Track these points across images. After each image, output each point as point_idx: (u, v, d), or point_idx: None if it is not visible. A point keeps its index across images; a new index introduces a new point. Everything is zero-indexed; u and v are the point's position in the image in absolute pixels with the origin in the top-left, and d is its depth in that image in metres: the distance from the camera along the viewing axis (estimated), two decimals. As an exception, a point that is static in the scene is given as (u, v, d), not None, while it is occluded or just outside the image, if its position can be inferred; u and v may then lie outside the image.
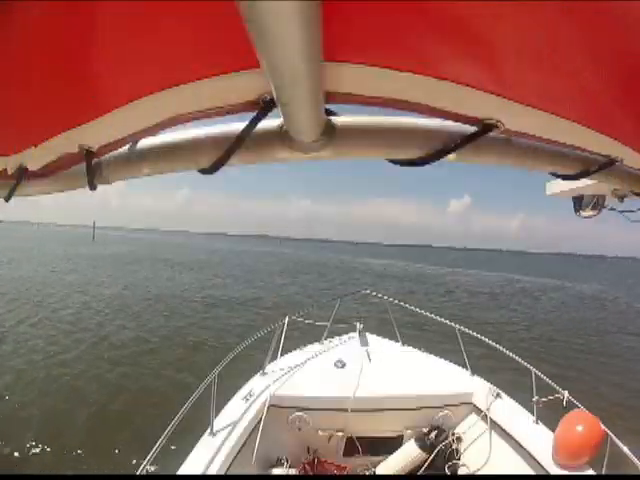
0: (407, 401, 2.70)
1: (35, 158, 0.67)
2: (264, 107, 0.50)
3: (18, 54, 0.43)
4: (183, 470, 1.89)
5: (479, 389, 2.81)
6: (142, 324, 9.10)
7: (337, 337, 3.61)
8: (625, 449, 1.90)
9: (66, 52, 0.43)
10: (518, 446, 2.38)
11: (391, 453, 2.66)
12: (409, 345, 3.62)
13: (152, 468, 1.61)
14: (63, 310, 10.08)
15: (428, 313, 3.65)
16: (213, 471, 1.89)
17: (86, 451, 3.92)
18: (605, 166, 0.68)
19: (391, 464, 2.60)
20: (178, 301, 12.20)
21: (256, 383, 2.71)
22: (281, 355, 3.14)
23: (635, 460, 1.82)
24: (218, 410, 2.34)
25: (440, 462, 2.58)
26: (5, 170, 0.70)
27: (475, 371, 3.05)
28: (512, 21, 0.35)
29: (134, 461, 3.63)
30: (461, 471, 2.58)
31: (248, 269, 25.98)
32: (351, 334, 3.62)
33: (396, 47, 0.41)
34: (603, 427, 2.04)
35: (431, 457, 2.55)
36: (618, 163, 0.69)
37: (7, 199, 0.77)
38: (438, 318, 3.49)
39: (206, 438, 2.14)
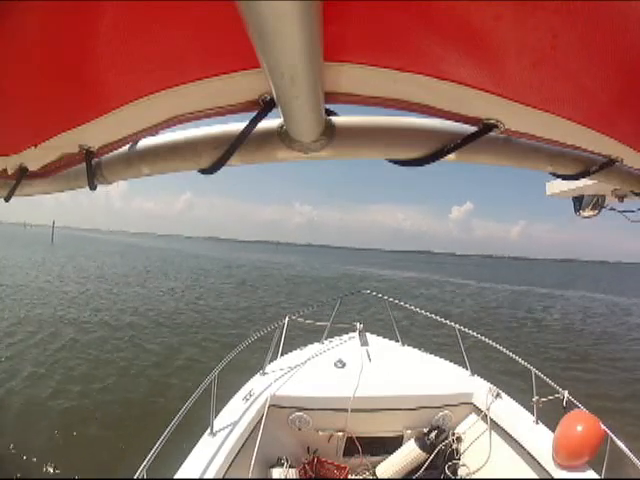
0: (407, 401, 2.70)
1: (35, 158, 0.67)
2: (264, 107, 0.50)
3: (18, 54, 0.43)
4: (183, 470, 1.89)
5: (479, 389, 2.81)
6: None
7: (337, 337, 3.61)
8: (625, 449, 1.90)
9: (66, 52, 0.43)
10: (518, 446, 2.38)
11: (391, 453, 2.66)
12: (409, 345, 3.62)
13: (150, 470, 1.60)
14: None
15: (427, 313, 3.66)
16: (213, 471, 1.89)
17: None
18: (605, 166, 0.68)
19: (391, 464, 2.60)
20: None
21: (256, 383, 2.71)
22: (281, 355, 3.15)
23: (635, 460, 1.82)
24: (218, 410, 2.34)
25: (440, 462, 2.58)
26: (5, 170, 0.70)
27: (476, 371, 3.06)
28: (512, 21, 0.35)
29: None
30: (461, 471, 2.58)
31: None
32: (351, 334, 3.62)
33: (396, 47, 0.41)
34: (603, 427, 2.03)
35: (431, 457, 2.55)
36: (618, 163, 0.69)
37: (7, 199, 0.77)
38: (438, 318, 3.50)
39: (206, 438, 2.14)
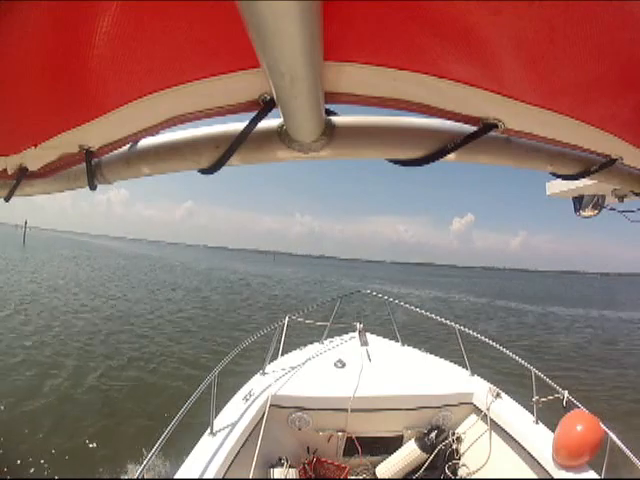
0: (407, 401, 2.70)
1: (35, 158, 0.67)
2: (264, 107, 0.50)
3: (18, 54, 0.43)
4: (183, 470, 1.89)
5: (479, 389, 2.81)
6: None
7: (337, 337, 3.62)
8: (625, 449, 1.90)
9: (66, 52, 0.43)
10: (518, 446, 2.38)
11: (391, 453, 2.66)
12: (409, 345, 3.62)
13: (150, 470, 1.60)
14: None
15: (427, 313, 3.66)
16: (213, 471, 1.88)
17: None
18: (605, 166, 0.68)
19: (391, 464, 2.60)
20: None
21: (256, 383, 2.71)
22: (281, 355, 3.15)
23: (635, 460, 1.82)
24: (218, 410, 2.34)
25: (440, 462, 2.58)
26: (5, 170, 0.70)
27: (476, 371, 3.06)
28: (511, 19, 0.35)
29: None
30: (461, 471, 2.58)
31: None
32: (351, 334, 3.62)
33: (396, 46, 0.41)
34: (603, 427, 2.03)
35: (431, 457, 2.55)
36: (618, 162, 0.69)
37: (7, 199, 0.77)
38: (438, 318, 3.50)
39: (206, 438, 2.14)
